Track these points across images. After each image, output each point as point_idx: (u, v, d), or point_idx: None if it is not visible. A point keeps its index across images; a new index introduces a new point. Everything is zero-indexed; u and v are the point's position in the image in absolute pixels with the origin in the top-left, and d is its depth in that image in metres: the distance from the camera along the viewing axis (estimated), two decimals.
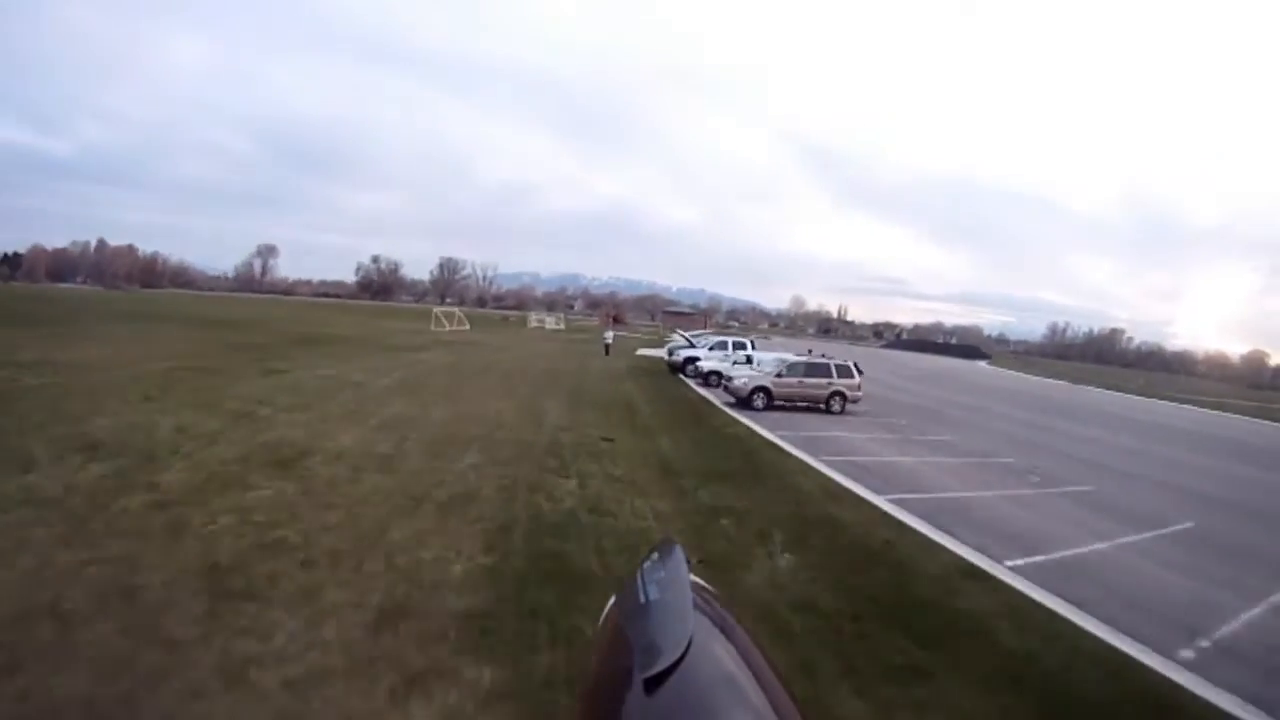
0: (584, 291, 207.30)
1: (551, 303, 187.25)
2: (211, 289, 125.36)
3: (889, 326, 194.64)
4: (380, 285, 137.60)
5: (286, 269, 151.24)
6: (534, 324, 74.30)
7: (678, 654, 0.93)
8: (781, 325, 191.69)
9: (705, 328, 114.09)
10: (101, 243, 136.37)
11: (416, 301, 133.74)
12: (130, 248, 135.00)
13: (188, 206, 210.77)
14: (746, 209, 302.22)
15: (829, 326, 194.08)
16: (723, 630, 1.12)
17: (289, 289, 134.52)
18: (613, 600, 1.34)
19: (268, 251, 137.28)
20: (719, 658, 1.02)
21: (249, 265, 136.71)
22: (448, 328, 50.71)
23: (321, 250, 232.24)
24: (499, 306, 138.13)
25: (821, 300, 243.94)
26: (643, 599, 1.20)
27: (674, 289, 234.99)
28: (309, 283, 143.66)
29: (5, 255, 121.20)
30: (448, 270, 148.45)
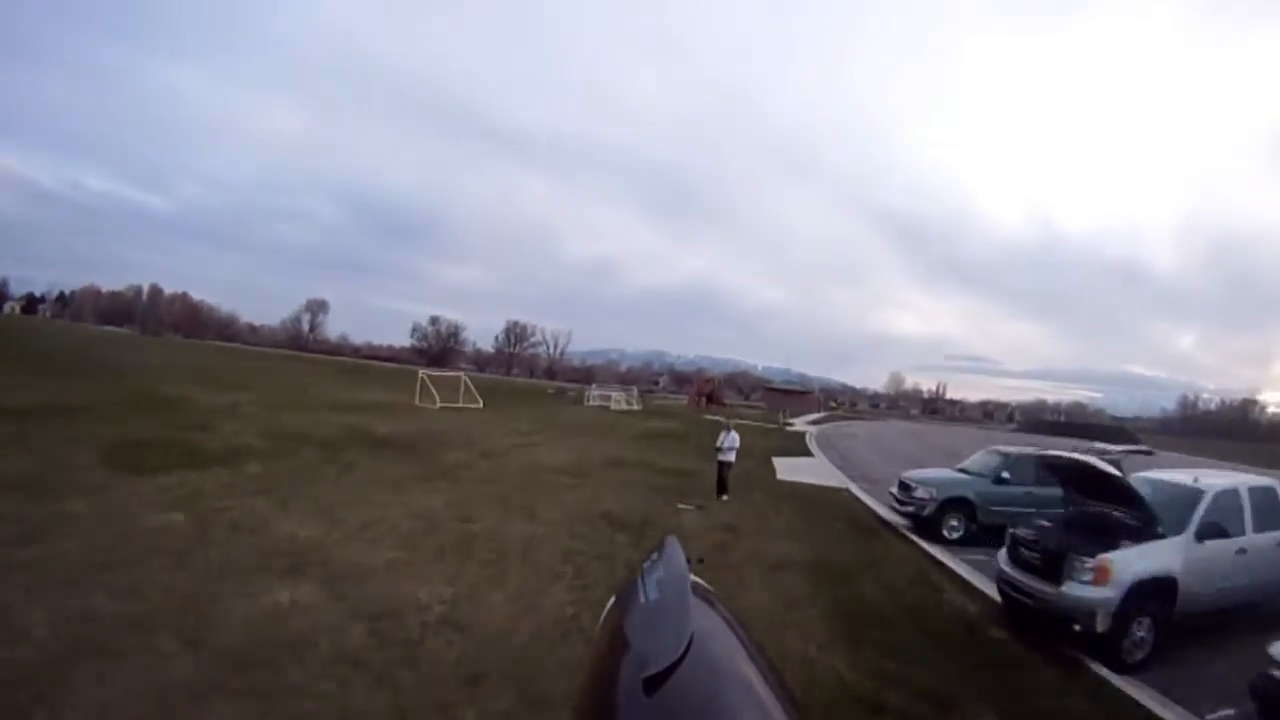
0: (669, 369, 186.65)
1: (633, 379, 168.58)
2: (256, 343, 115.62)
3: (999, 406, 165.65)
4: (438, 350, 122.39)
5: (352, 329, 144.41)
6: (596, 401, 52.48)
7: (677, 654, 0.93)
8: (882, 406, 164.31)
9: (819, 409, 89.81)
10: (155, 288, 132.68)
11: (480, 370, 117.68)
12: (183, 295, 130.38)
13: (273, 266, 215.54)
14: (832, 287, 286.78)
15: (934, 406, 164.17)
16: (723, 630, 1.13)
17: (333, 349, 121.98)
18: (613, 600, 1.34)
19: (317, 307, 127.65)
20: (719, 658, 1.02)
21: (297, 320, 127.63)
22: (437, 405, 29.95)
23: (402, 317, 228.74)
24: (570, 380, 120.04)
25: (912, 378, 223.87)
26: (643, 599, 1.21)
27: (759, 367, 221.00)
28: (362, 344, 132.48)
29: (41, 295, 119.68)
30: (514, 336, 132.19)
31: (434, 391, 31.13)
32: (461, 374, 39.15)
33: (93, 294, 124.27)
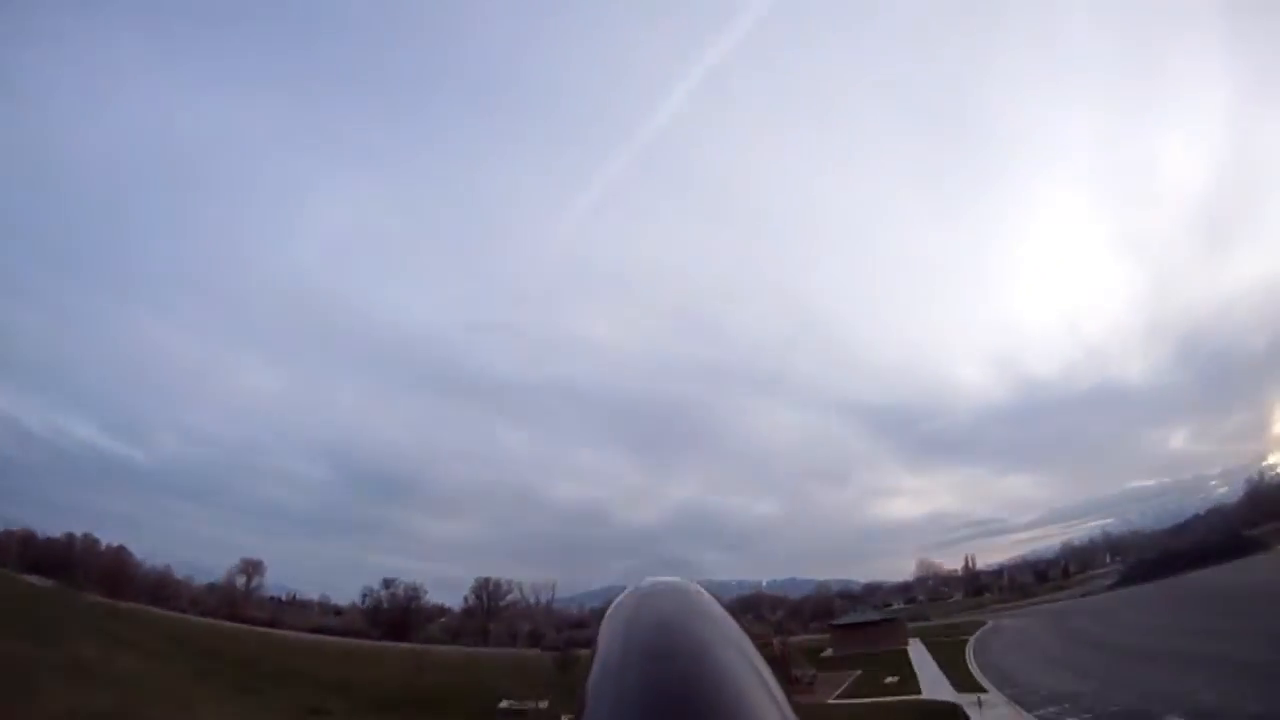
0: None
1: None
2: (187, 606, 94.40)
3: (1049, 569, 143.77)
4: (396, 618, 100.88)
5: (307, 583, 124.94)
6: None
7: (678, 654, 0.94)
8: (920, 599, 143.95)
9: (901, 641, 55.30)
10: (89, 538, 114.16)
11: (453, 639, 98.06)
12: (118, 549, 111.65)
13: (229, 517, 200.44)
14: (823, 488, 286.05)
15: (981, 585, 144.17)
16: (723, 633, 1.10)
17: (273, 616, 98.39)
18: (614, 600, 1.29)
19: (253, 568, 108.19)
20: (719, 659, 1.00)
21: (231, 580, 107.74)
22: None
23: (367, 568, 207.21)
24: (560, 645, 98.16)
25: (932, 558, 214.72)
26: (644, 599, 1.21)
27: (764, 583, 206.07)
28: (309, 603, 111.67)
29: None
30: (485, 596, 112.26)
31: None
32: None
33: (21, 538, 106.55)
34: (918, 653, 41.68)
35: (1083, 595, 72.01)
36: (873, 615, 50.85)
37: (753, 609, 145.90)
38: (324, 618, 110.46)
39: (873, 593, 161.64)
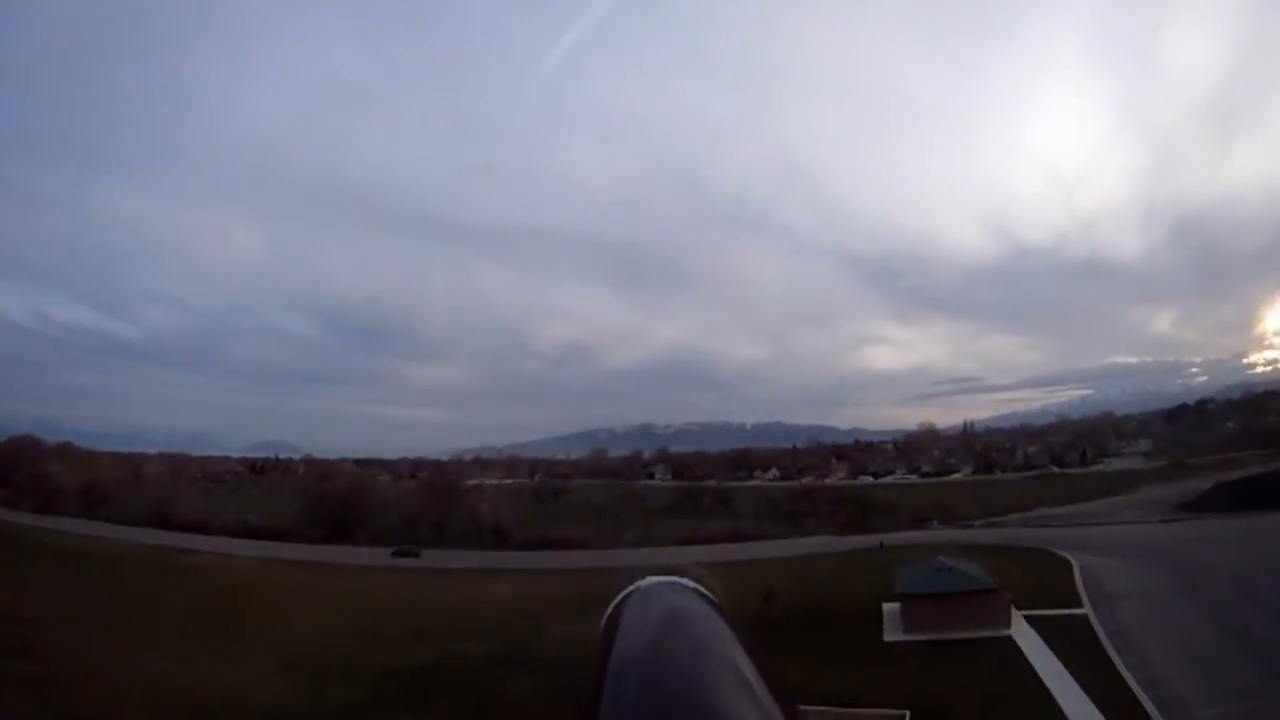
0: (661, 451, 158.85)
1: (620, 470, 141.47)
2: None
3: (1064, 451, 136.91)
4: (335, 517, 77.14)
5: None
6: None
7: (678, 654, 0.99)
8: (925, 470, 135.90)
9: (1001, 621, 35.05)
10: (31, 439, 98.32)
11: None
12: (65, 446, 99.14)
13: (247, 385, 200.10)
14: (810, 335, 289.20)
15: (989, 459, 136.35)
16: (721, 634, 1.17)
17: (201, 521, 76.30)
18: (616, 600, 1.37)
19: None
20: (719, 660, 1.05)
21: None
22: None
23: (356, 420, 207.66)
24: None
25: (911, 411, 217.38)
26: (645, 600, 1.27)
27: (748, 425, 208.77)
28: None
29: None
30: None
31: None
32: None
33: None
34: (1031, 644, 30.37)
35: (1161, 522, 61.73)
36: (957, 575, 34.63)
37: (744, 467, 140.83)
38: None
39: (866, 450, 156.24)
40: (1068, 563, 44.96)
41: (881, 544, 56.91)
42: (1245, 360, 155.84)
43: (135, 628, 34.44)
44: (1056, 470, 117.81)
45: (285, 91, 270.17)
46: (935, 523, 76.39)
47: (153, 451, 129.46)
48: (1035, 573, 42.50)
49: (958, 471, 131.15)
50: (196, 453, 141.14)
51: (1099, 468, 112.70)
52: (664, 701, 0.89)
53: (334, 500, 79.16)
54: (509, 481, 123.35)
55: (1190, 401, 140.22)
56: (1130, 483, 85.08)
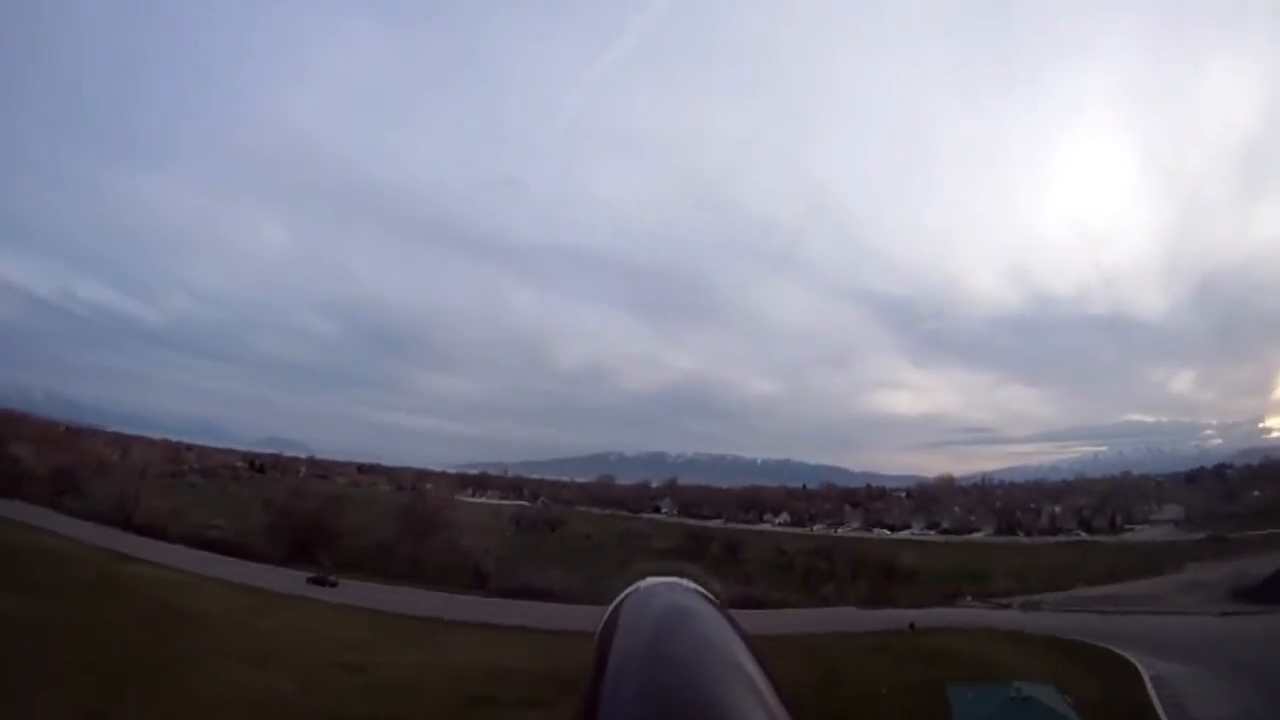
0: (670, 482, 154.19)
1: (630, 499, 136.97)
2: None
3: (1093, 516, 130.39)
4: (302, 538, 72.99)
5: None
6: None
7: (678, 655, 0.99)
8: (945, 525, 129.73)
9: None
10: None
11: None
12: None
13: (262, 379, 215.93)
14: (826, 373, 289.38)
15: (1011, 519, 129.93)
16: (723, 634, 1.16)
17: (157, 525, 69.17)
18: (616, 600, 1.36)
19: None
20: (718, 660, 1.05)
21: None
22: None
23: (365, 424, 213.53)
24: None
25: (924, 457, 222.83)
26: (645, 598, 1.26)
27: (759, 461, 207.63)
28: None
29: None
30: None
31: None
32: None
33: None
34: None
35: (1221, 615, 56.49)
36: (1036, 709, 27.32)
37: (753, 508, 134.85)
38: None
39: (880, 497, 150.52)
40: (1134, 669, 40.18)
41: (912, 625, 51.98)
42: (1262, 424, 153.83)
43: (25, 655, 27.61)
44: (1085, 536, 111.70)
45: (322, 94, 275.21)
46: (969, 598, 71.08)
47: (156, 436, 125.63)
48: (1100, 683, 37.69)
49: (979, 530, 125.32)
50: (204, 442, 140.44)
51: (1129, 536, 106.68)
52: (665, 698, 0.87)
53: (303, 518, 73.74)
54: (507, 503, 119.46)
55: (1206, 465, 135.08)
56: (1172, 558, 79.58)
